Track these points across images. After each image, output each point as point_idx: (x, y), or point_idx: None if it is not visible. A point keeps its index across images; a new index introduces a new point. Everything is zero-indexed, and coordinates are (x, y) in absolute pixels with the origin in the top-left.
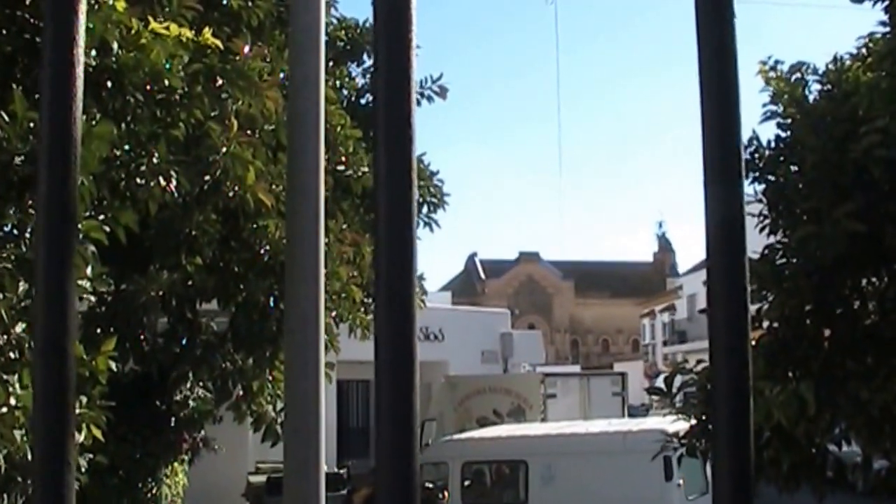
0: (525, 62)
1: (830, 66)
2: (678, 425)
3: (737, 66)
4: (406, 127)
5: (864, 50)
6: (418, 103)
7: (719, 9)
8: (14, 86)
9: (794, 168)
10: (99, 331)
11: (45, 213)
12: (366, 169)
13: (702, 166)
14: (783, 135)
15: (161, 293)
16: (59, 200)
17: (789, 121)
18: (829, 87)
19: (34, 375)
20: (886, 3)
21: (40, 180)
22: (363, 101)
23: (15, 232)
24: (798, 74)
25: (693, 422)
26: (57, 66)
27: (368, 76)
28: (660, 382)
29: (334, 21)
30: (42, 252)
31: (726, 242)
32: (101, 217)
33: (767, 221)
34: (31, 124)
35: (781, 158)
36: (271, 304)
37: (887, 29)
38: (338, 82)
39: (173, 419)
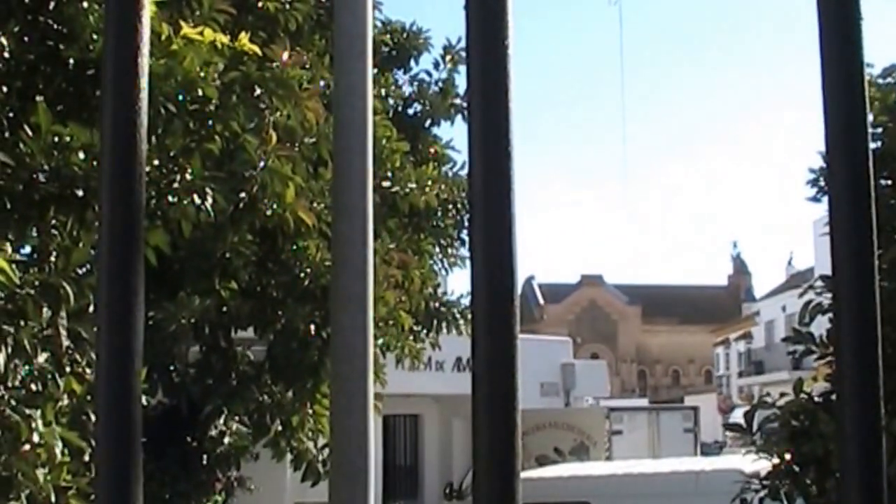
0: (587, 70)
1: None
2: (757, 465)
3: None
4: (504, 142)
5: None
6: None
7: (845, 8)
8: (37, 97)
9: (885, 182)
10: None
11: (108, 237)
12: (413, 185)
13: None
14: (873, 145)
15: (193, 320)
16: (123, 221)
17: (880, 130)
18: None
19: (97, 412)
20: None
21: (104, 201)
22: (410, 112)
23: (36, 255)
24: (890, 79)
25: (776, 461)
26: (121, 78)
27: (416, 84)
28: (735, 417)
29: (378, 24)
30: (104, 279)
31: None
32: None
33: None
34: (56, 138)
35: (871, 171)
36: (312, 331)
37: None
38: (382, 91)
39: (206, 456)
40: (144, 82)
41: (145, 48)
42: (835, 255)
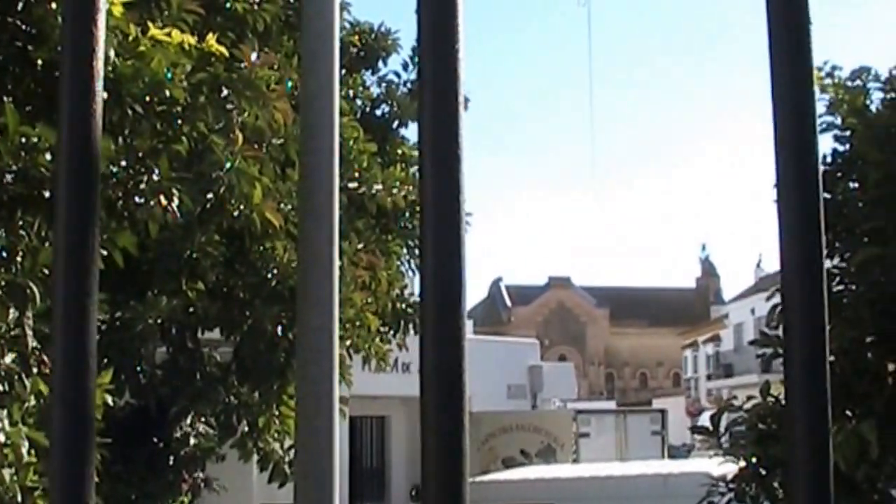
0: (556, 73)
1: (895, 73)
2: (724, 468)
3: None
4: (454, 146)
5: None
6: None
7: (794, 14)
8: (5, 98)
9: (853, 185)
10: None
11: (63, 239)
12: (381, 186)
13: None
14: (842, 148)
15: (160, 321)
16: (78, 223)
17: (849, 133)
18: (893, 95)
19: (53, 410)
20: None
21: (58, 201)
22: (378, 113)
23: (4, 255)
24: (859, 81)
25: (742, 464)
26: (77, 79)
27: (384, 85)
28: (704, 421)
29: (347, 25)
30: (60, 280)
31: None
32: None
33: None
34: (24, 139)
35: (840, 174)
36: (279, 333)
37: None
38: (350, 92)
39: (172, 457)
40: (100, 85)
41: (100, 51)
42: (783, 261)
